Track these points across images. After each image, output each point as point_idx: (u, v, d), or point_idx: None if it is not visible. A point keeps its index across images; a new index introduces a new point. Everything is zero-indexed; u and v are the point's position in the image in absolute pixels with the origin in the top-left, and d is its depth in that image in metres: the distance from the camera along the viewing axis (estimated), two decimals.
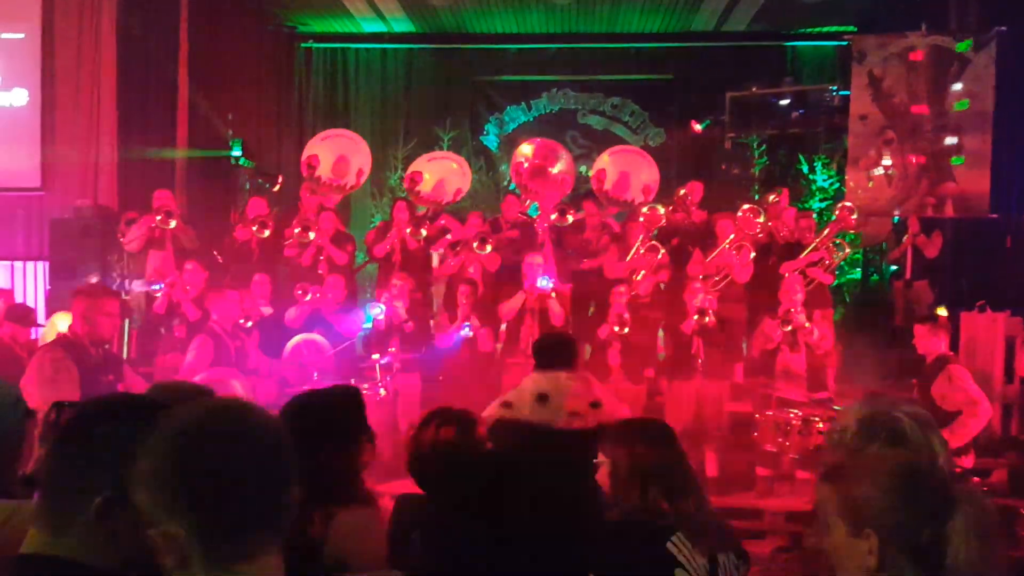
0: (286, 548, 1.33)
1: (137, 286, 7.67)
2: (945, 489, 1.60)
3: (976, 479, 5.40)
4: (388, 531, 2.60)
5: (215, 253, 8.20)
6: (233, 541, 1.26)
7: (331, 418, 2.45)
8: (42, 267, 9.16)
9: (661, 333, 7.75)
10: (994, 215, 9.01)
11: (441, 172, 9.46)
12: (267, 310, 7.31)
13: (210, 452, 1.26)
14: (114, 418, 1.54)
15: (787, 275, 7.26)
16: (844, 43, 10.49)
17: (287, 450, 1.34)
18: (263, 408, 1.37)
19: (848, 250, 8.06)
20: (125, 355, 7.83)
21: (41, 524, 1.50)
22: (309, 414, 2.45)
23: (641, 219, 7.87)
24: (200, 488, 1.25)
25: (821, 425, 5.73)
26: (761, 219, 7.79)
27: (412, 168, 9.59)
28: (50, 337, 5.57)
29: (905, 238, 8.93)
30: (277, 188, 9.65)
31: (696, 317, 6.79)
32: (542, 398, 3.57)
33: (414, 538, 2.55)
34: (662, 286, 7.84)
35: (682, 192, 8.49)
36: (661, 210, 7.93)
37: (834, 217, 8.13)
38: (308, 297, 7.16)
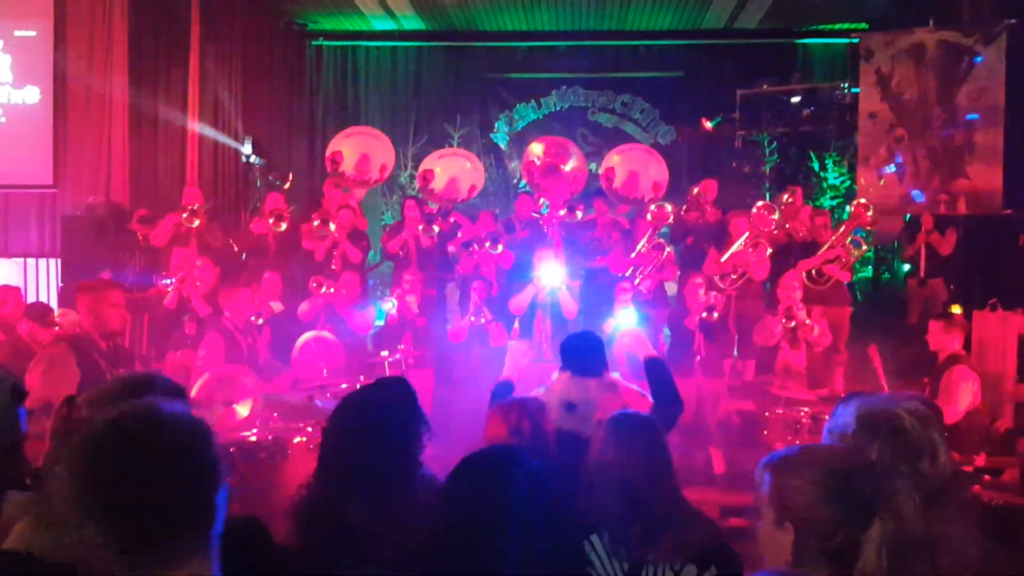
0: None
1: (156, 282, 7.70)
2: (871, 497, 1.60)
3: (987, 477, 5.36)
4: None
5: (231, 242, 8.23)
6: (150, 546, 1.25)
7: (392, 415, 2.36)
8: (55, 264, 9.22)
9: (667, 331, 7.74)
10: (1007, 211, 8.94)
11: (453, 169, 9.49)
12: (278, 307, 7.33)
13: (117, 459, 1.24)
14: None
15: (786, 273, 7.25)
16: (855, 40, 10.44)
17: (206, 453, 1.31)
18: (183, 411, 1.34)
19: (865, 247, 8.02)
20: (144, 350, 7.87)
21: (35, 519, 1.50)
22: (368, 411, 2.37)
23: (648, 216, 7.86)
24: (110, 495, 1.23)
25: None
26: (776, 216, 7.77)
27: (423, 166, 9.62)
28: None
29: (919, 235, 8.88)
30: (287, 185, 9.68)
31: (705, 315, 6.78)
32: (570, 407, 3.51)
33: None
34: (668, 285, 7.82)
35: (696, 191, 8.47)
36: (669, 208, 7.92)
37: (849, 214, 8.10)
38: (323, 290, 7.17)
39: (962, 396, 5.72)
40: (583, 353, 3.69)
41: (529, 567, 1.90)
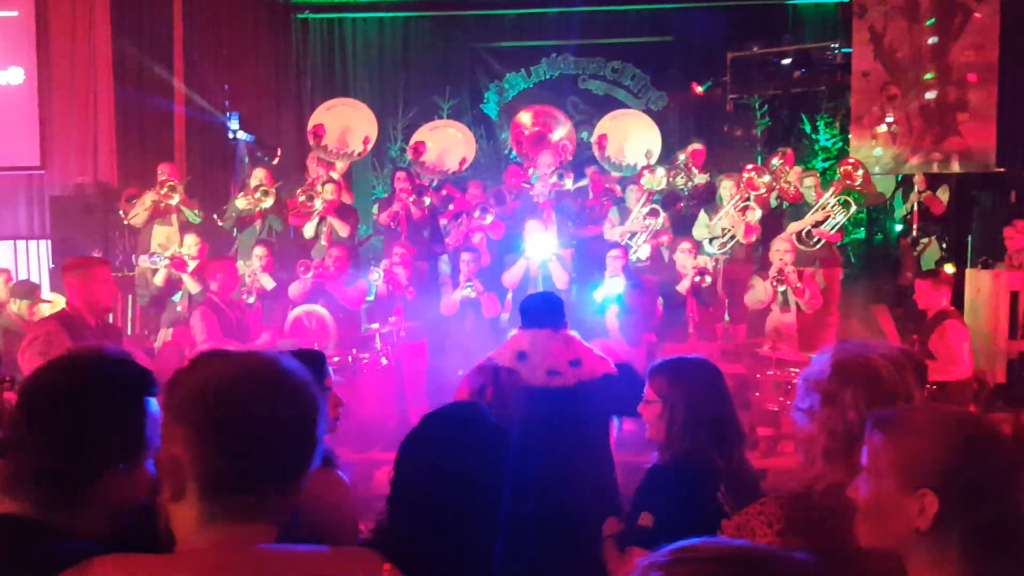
0: None
1: (143, 261, 7.68)
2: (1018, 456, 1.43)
3: None
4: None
5: (215, 216, 8.19)
6: (228, 495, 1.25)
7: None
8: (44, 245, 9.20)
9: (661, 299, 7.74)
10: (1001, 168, 8.91)
11: (444, 141, 9.44)
12: (268, 283, 7.32)
13: (242, 403, 1.25)
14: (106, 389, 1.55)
15: (777, 236, 7.23)
16: (846, 0, 10.33)
17: (310, 422, 1.31)
18: (302, 372, 1.35)
19: (854, 208, 7.99)
20: (130, 330, 7.88)
21: (11, 488, 1.50)
22: None
23: (642, 182, 7.83)
24: (220, 435, 1.24)
25: None
26: (766, 179, 7.74)
27: (415, 138, 9.56)
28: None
29: (911, 195, 8.85)
30: (276, 161, 9.63)
31: (697, 279, 6.78)
32: (521, 355, 3.57)
33: None
34: (664, 251, 7.81)
35: (683, 156, 8.43)
36: (661, 173, 7.88)
37: (840, 174, 8.07)
38: (310, 274, 7.16)
39: (965, 352, 5.75)
40: (539, 309, 3.75)
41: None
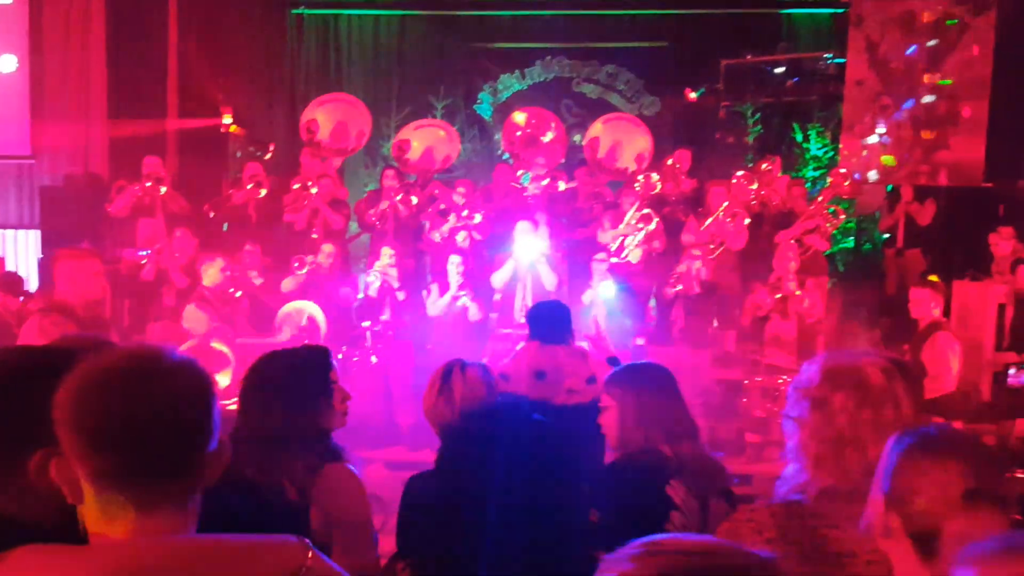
0: (268, 509, 1.32)
1: (129, 254, 7.64)
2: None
3: None
4: (398, 514, 2.62)
5: (206, 208, 8.16)
6: (122, 487, 1.25)
7: (285, 378, 2.44)
8: (34, 235, 9.14)
9: (653, 302, 7.77)
10: (988, 183, 8.97)
11: (429, 139, 9.43)
12: (258, 280, 7.29)
13: (112, 395, 1.24)
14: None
15: (781, 243, 7.27)
16: (839, 10, 10.39)
17: (200, 406, 1.30)
18: (187, 361, 1.33)
19: (843, 216, 8.04)
20: (125, 323, 7.83)
21: None
22: (266, 373, 2.46)
23: (636, 187, 7.85)
24: (96, 429, 1.24)
25: None
26: (754, 186, 7.78)
27: (399, 136, 9.55)
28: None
29: (898, 206, 8.91)
30: (268, 156, 9.60)
31: (680, 288, 6.80)
32: (540, 375, 3.59)
33: (420, 520, 2.55)
34: (654, 255, 7.83)
35: (670, 161, 8.46)
36: (656, 178, 7.90)
37: (828, 183, 8.12)
38: (304, 270, 7.15)
39: (953, 365, 5.80)
40: (550, 322, 3.77)
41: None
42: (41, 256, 8.57)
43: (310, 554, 1.32)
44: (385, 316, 6.94)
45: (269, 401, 2.38)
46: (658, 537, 1.05)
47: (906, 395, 1.85)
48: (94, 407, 1.24)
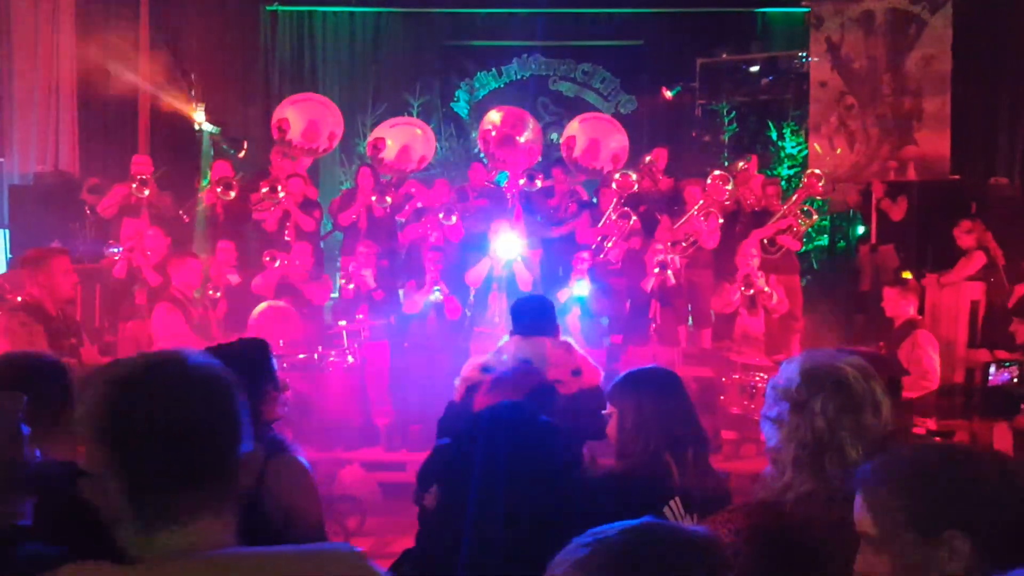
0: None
1: (107, 252, 7.53)
2: None
3: (938, 440, 5.49)
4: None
5: (180, 212, 8.07)
6: (161, 497, 1.22)
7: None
8: (2, 235, 8.98)
9: (630, 302, 7.77)
10: (955, 176, 9.09)
11: (404, 138, 9.37)
12: (234, 279, 7.22)
13: (143, 403, 1.22)
14: None
15: (744, 241, 7.31)
16: (809, 10, 10.46)
17: (230, 407, 1.28)
18: (210, 363, 1.31)
19: (815, 217, 8.11)
20: (97, 322, 7.73)
21: None
22: None
23: (613, 185, 7.86)
24: (129, 440, 1.21)
25: None
26: (730, 186, 7.81)
27: (374, 135, 9.48)
28: None
29: (871, 202, 9.00)
30: (243, 154, 9.50)
31: (657, 271, 6.80)
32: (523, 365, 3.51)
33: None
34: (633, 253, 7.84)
35: (647, 159, 8.48)
36: (634, 177, 7.91)
37: (802, 184, 8.17)
38: (277, 264, 7.08)
39: (936, 363, 5.85)
40: (534, 315, 3.77)
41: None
42: (10, 256, 8.43)
43: (365, 560, 1.30)
44: (360, 316, 6.90)
45: None
46: (607, 526, 1.14)
47: (885, 396, 1.84)
48: (127, 417, 1.21)
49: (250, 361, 2.47)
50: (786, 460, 1.86)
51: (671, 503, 2.43)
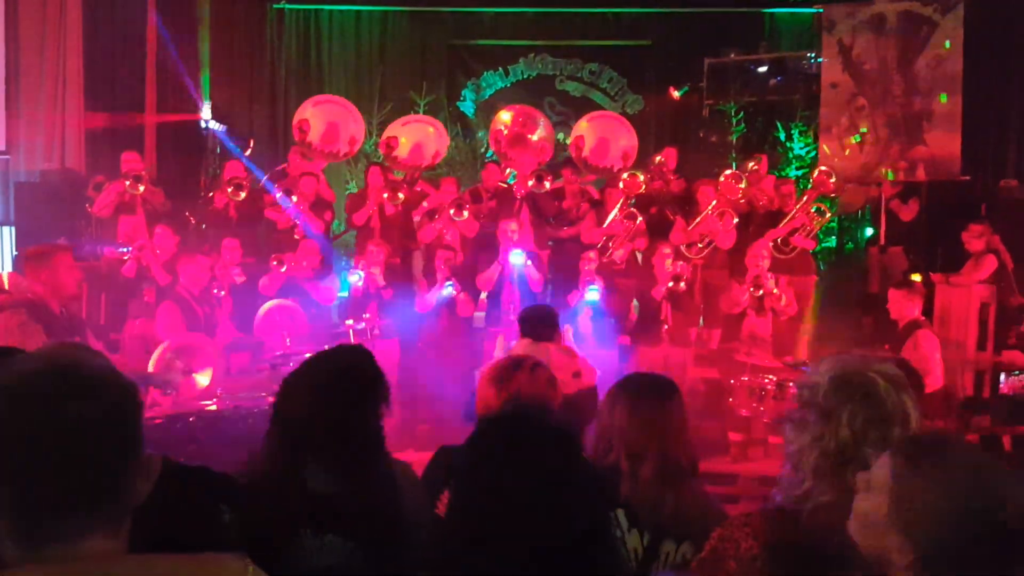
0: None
1: (110, 251, 7.52)
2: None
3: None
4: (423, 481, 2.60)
5: (187, 214, 8.07)
6: (46, 520, 1.13)
7: (372, 375, 2.34)
8: (8, 232, 8.98)
9: (636, 302, 7.74)
10: (965, 177, 9.05)
11: (417, 136, 9.34)
12: (240, 278, 7.21)
13: (14, 419, 1.12)
14: None
15: (755, 242, 7.28)
16: (821, 10, 10.42)
17: (124, 419, 1.18)
18: (105, 370, 1.20)
19: (829, 215, 8.06)
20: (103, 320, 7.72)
21: None
22: (356, 372, 2.32)
23: (621, 185, 7.83)
24: (10, 459, 1.12)
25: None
26: (743, 185, 7.78)
27: (387, 133, 9.45)
28: None
29: (880, 203, 8.97)
30: (248, 152, 9.48)
31: (671, 284, 6.79)
32: None
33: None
34: (639, 254, 7.81)
35: (658, 159, 8.44)
36: (641, 177, 7.88)
37: (812, 182, 8.14)
38: (284, 268, 7.07)
39: (938, 364, 5.82)
40: (541, 322, 4.39)
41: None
42: (16, 253, 8.42)
43: (250, 569, 1.24)
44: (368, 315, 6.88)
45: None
46: None
47: (915, 409, 1.80)
48: (7, 433, 1.12)
49: (361, 367, 2.36)
50: (807, 467, 1.80)
51: (615, 513, 2.32)
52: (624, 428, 2.41)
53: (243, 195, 7.68)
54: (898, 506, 1.39)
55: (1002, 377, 6.17)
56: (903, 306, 6.05)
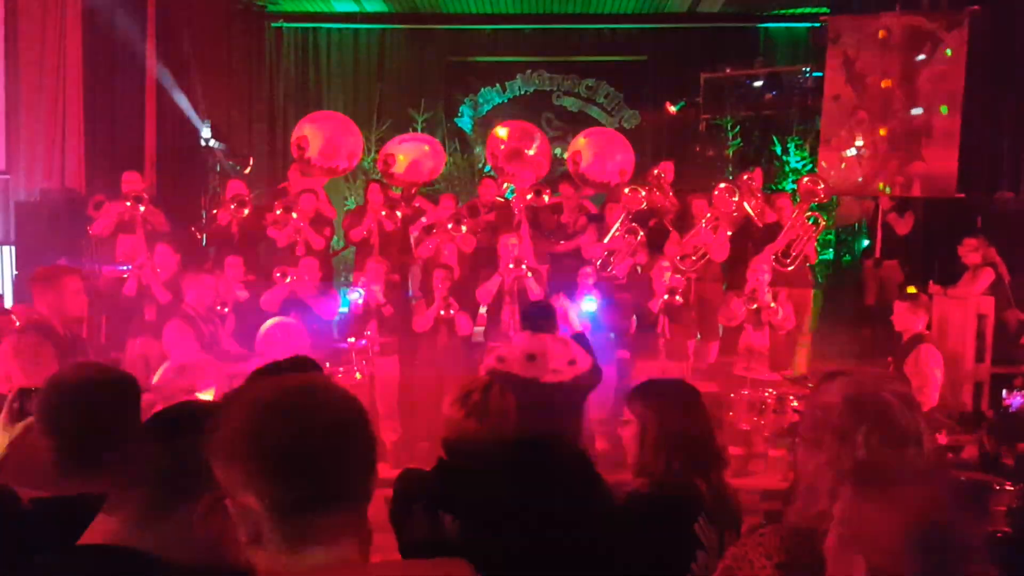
0: None
1: (109, 270, 7.54)
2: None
3: (950, 455, 5.47)
4: (391, 502, 2.64)
5: (192, 229, 8.10)
6: (305, 517, 1.24)
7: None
8: (8, 252, 8.98)
9: (635, 317, 7.75)
10: (960, 195, 9.08)
11: (414, 153, 9.39)
12: (243, 295, 7.23)
13: (284, 425, 1.25)
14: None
15: (756, 256, 7.29)
16: (817, 24, 10.49)
17: (364, 431, 1.32)
18: (341, 387, 1.36)
19: (823, 222, 8.06)
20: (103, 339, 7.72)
21: (121, 514, 1.51)
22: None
23: (622, 200, 7.85)
24: (273, 461, 1.24)
25: (796, 403, 5.78)
26: (736, 197, 7.80)
27: (384, 152, 9.51)
28: None
29: (877, 216, 9.00)
30: (248, 170, 9.52)
31: (667, 296, 6.80)
32: (531, 357, 4.56)
33: (416, 510, 2.58)
34: (639, 268, 7.83)
35: (656, 172, 8.48)
36: (643, 193, 7.90)
37: (800, 191, 8.14)
38: (288, 279, 7.08)
39: (937, 378, 5.83)
40: (540, 317, 4.85)
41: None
42: (16, 273, 8.42)
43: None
44: (369, 332, 6.89)
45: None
46: None
47: (927, 429, 1.80)
48: (274, 436, 1.24)
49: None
50: (822, 487, 1.80)
51: (699, 522, 2.43)
52: (684, 438, 2.53)
53: (246, 211, 7.71)
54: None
55: (1003, 393, 6.17)
56: (908, 319, 6.06)
